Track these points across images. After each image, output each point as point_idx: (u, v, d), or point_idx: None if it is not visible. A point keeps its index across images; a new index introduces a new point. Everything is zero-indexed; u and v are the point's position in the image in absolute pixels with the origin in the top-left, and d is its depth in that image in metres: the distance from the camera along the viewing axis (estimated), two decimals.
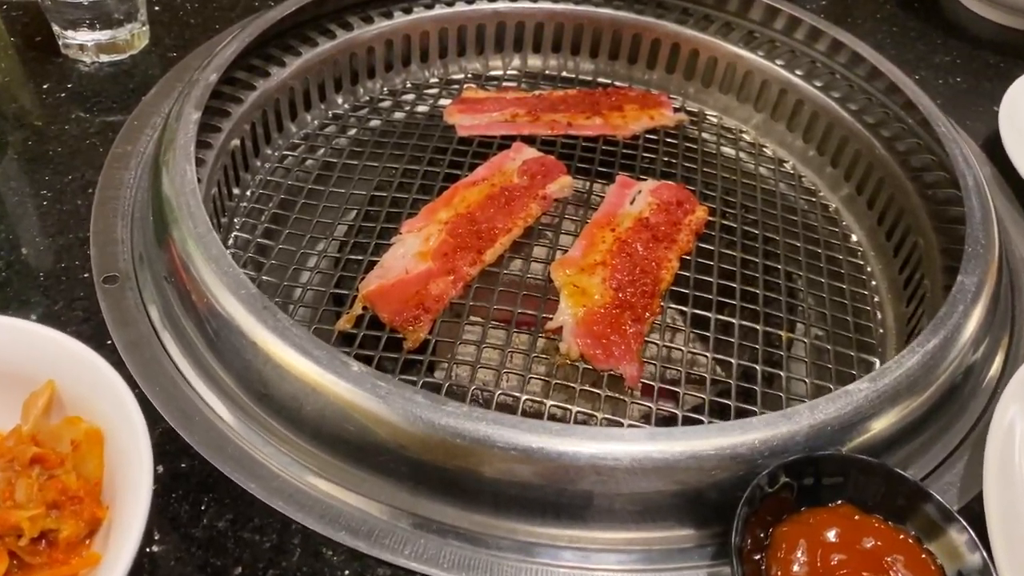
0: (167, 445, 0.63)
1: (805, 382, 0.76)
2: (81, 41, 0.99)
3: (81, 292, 0.74)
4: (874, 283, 0.90)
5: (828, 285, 0.85)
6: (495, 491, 0.60)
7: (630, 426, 0.69)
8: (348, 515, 0.61)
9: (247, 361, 0.64)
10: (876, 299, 0.88)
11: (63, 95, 0.95)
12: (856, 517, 0.58)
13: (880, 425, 0.63)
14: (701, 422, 0.70)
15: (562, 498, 0.59)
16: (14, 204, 0.83)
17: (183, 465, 0.63)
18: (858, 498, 0.59)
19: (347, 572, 0.58)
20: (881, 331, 0.85)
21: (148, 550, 0.58)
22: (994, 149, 0.99)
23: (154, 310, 0.73)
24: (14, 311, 0.73)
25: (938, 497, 0.58)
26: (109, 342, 0.70)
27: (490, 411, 0.60)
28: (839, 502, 0.59)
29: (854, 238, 0.95)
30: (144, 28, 1.03)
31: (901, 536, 0.58)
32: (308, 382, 0.61)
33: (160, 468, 0.62)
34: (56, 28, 0.99)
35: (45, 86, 0.96)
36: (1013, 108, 1.00)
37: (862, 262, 0.92)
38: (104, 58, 1.00)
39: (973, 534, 0.56)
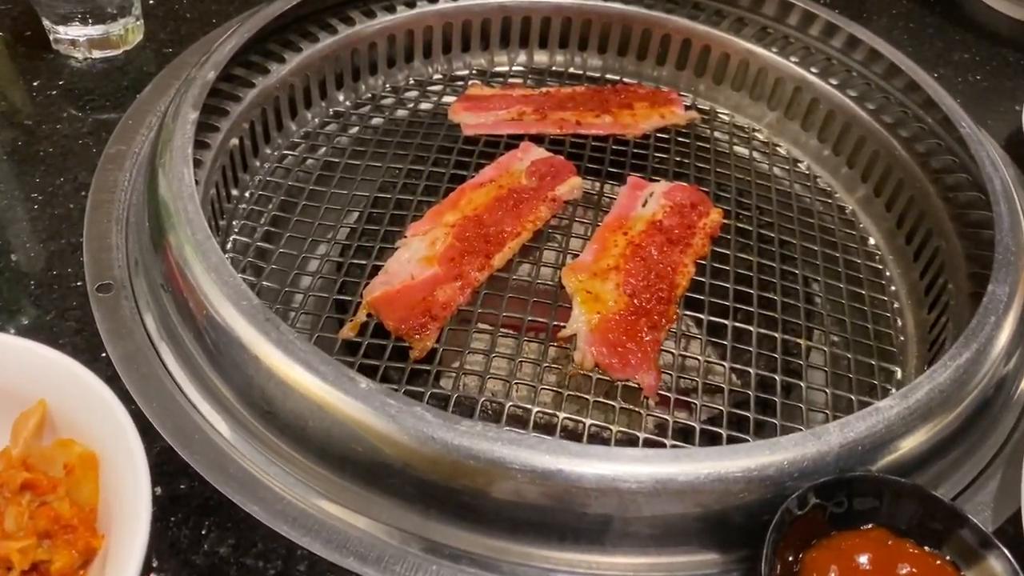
0: (165, 465, 0.61)
1: (825, 392, 0.73)
2: (73, 36, 0.96)
3: (74, 301, 0.71)
4: (893, 288, 0.87)
5: (847, 291, 0.83)
6: (510, 514, 0.57)
7: (646, 439, 0.66)
8: (356, 540, 0.58)
9: (249, 376, 0.61)
10: (896, 305, 0.85)
11: (54, 93, 0.92)
12: (890, 542, 0.56)
13: (911, 443, 0.61)
14: (719, 434, 0.67)
15: (581, 522, 0.57)
16: (3, 208, 0.80)
17: (182, 486, 0.60)
18: (891, 522, 0.57)
19: None
20: (902, 339, 0.83)
21: None
22: (1016, 149, 0.96)
23: (151, 320, 0.70)
24: (3, 322, 0.70)
25: (975, 521, 0.55)
26: (104, 354, 0.67)
27: (504, 430, 0.57)
28: (871, 526, 0.57)
29: (872, 241, 0.92)
30: (138, 23, 1.00)
31: (938, 562, 0.55)
32: (314, 399, 0.59)
33: (158, 490, 0.59)
34: (47, 23, 0.96)
35: (35, 83, 0.93)
36: None
37: (880, 266, 0.89)
38: (97, 54, 0.97)
39: (1014, 561, 0.54)
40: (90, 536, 0.51)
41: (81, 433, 0.55)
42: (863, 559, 0.55)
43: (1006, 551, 0.54)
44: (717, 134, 1.00)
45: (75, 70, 0.95)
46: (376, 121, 0.97)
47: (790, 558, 0.55)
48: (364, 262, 0.78)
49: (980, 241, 0.79)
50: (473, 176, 0.87)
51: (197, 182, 0.73)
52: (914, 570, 0.54)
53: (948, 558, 0.56)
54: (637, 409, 0.69)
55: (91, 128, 0.88)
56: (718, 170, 0.93)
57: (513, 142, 0.92)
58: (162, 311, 0.69)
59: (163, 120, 0.80)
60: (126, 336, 0.69)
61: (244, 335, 0.61)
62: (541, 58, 1.08)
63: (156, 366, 0.67)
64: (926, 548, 0.56)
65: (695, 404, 0.70)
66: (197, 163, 0.76)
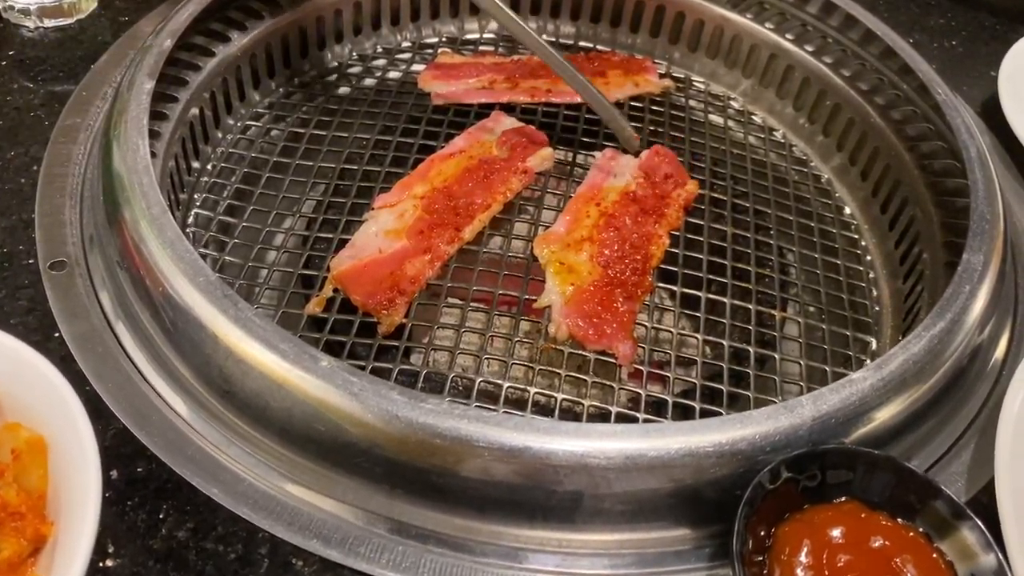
0: (122, 447, 0.59)
1: (800, 363, 0.73)
2: (23, 4, 0.92)
3: (25, 279, 0.69)
4: (869, 258, 0.87)
5: (821, 261, 0.82)
6: (478, 493, 0.56)
7: (619, 414, 0.65)
8: (320, 521, 0.57)
9: (207, 355, 0.60)
10: (871, 275, 0.85)
11: (4, 63, 0.89)
12: (863, 515, 0.55)
13: (885, 415, 0.60)
14: (692, 407, 0.67)
15: (550, 500, 0.56)
16: None
17: (139, 469, 0.58)
18: (864, 494, 0.56)
19: None
20: (877, 308, 0.82)
21: (101, 565, 0.53)
22: (992, 116, 0.95)
23: (106, 298, 0.68)
24: None
25: (949, 493, 0.55)
26: (57, 335, 0.65)
27: (471, 407, 0.56)
28: (844, 499, 0.56)
29: (847, 211, 0.91)
30: None
31: (910, 534, 0.55)
32: (274, 378, 0.57)
33: (114, 473, 0.57)
34: None
35: None
36: (1013, 73, 0.96)
37: (856, 236, 0.89)
38: (49, 23, 0.93)
39: (987, 532, 0.53)
40: (39, 523, 0.49)
41: (29, 417, 0.53)
42: (836, 532, 0.54)
43: (979, 522, 0.54)
44: (692, 102, 0.99)
45: (26, 39, 0.92)
46: (343, 90, 0.95)
47: (762, 533, 0.55)
48: (330, 236, 0.76)
49: (955, 209, 0.78)
50: (443, 146, 0.85)
51: (154, 154, 0.71)
52: (887, 543, 0.54)
53: (921, 530, 0.55)
54: (610, 383, 0.68)
55: (43, 100, 0.85)
56: (693, 139, 0.92)
57: (484, 111, 0.90)
58: (118, 289, 0.67)
59: (118, 90, 0.77)
60: (80, 315, 0.66)
61: (201, 312, 0.60)
62: None
63: (112, 346, 0.65)
64: (899, 520, 0.56)
65: (668, 377, 0.69)
66: (154, 134, 0.74)
